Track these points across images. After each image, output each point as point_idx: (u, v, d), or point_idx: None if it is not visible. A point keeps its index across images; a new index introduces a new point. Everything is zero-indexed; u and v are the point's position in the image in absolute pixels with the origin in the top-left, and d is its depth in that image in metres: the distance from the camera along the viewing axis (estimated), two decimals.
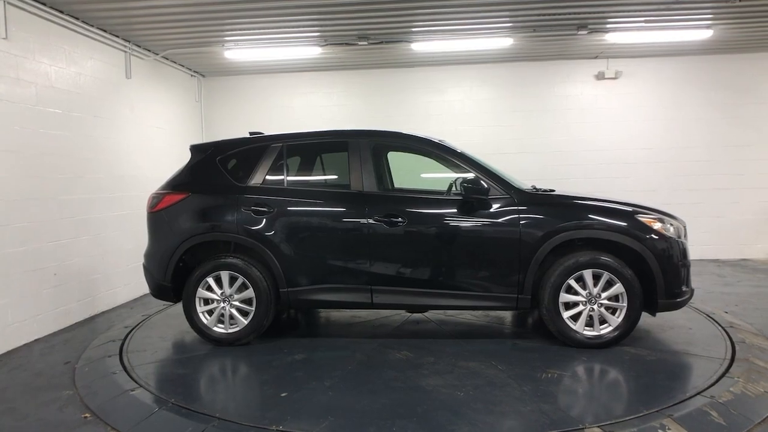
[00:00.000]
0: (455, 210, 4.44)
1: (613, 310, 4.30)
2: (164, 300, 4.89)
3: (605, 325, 4.31)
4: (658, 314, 4.47)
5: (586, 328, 4.32)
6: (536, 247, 4.28)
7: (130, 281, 6.76)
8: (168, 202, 4.71)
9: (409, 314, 5.43)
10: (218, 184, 4.70)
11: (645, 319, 4.42)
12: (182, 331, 5.06)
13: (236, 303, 4.60)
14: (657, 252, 4.21)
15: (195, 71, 8.77)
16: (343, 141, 4.75)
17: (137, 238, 6.52)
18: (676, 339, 4.57)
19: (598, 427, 3.02)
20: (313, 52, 7.51)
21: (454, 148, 4.74)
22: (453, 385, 3.68)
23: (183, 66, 8.37)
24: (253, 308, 4.56)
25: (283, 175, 4.72)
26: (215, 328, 4.62)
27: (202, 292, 4.62)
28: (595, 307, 4.30)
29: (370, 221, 4.42)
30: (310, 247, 4.53)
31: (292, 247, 4.51)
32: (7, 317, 4.92)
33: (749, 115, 8.51)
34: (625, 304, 4.25)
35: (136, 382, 3.90)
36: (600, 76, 8.62)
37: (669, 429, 2.99)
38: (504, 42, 7.26)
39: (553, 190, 4.78)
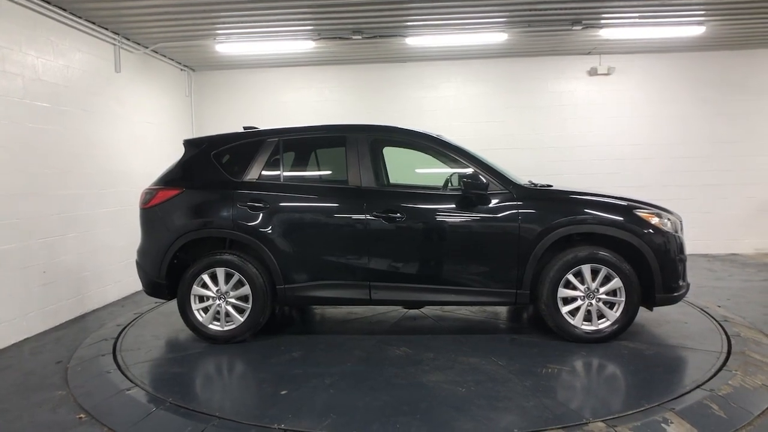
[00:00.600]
0: (454, 205, 4.42)
1: (611, 305, 4.31)
2: (158, 297, 4.81)
3: (603, 319, 4.32)
4: (654, 309, 4.49)
5: (584, 322, 4.33)
6: (535, 242, 4.27)
7: (120, 279, 6.65)
8: (161, 197, 4.63)
9: (406, 310, 5.40)
10: (213, 179, 4.63)
11: (641, 313, 4.43)
12: (176, 329, 4.98)
13: (232, 300, 4.53)
14: (655, 247, 4.22)
15: (185, 65, 8.64)
16: (341, 136, 4.70)
17: (128, 235, 6.43)
18: (672, 333, 4.59)
19: (602, 421, 3.02)
20: (306, 46, 7.43)
21: (452, 142, 4.72)
22: (454, 380, 3.66)
23: (173, 60, 8.25)
24: (250, 305, 4.50)
25: (279, 170, 4.65)
26: (211, 326, 4.55)
27: (197, 289, 4.54)
28: (594, 301, 4.30)
29: (369, 217, 4.38)
30: (307, 243, 4.48)
31: (289, 244, 4.46)
32: None
33: (739, 111, 8.59)
34: (623, 299, 4.26)
35: (131, 381, 3.83)
36: (592, 72, 8.64)
37: (672, 423, 3.00)
38: (498, 37, 7.24)
39: (551, 185, 4.78)
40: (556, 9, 6.25)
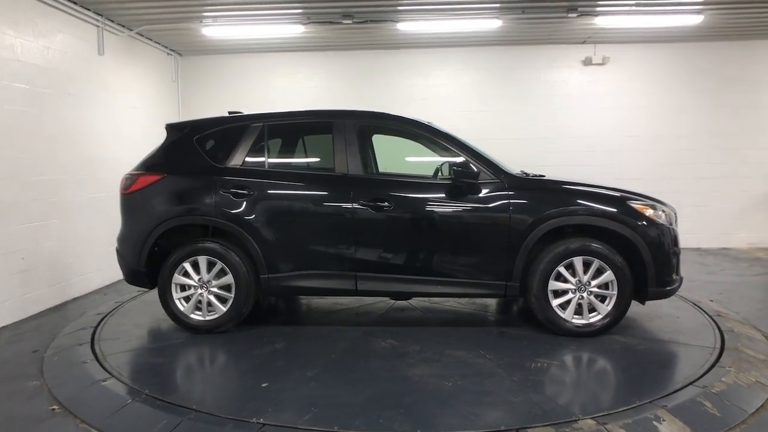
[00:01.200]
0: (444, 194, 4.30)
1: (602, 298, 4.21)
2: (138, 286, 4.68)
3: (594, 313, 4.22)
4: (646, 303, 4.40)
5: (575, 316, 4.23)
6: (526, 233, 4.16)
7: (103, 266, 6.49)
8: (142, 183, 4.48)
9: (394, 301, 5.29)
10: (195, 165, 4.48)
11: (632, 307, 4.35)
12: (158, 318, 4.84)
13: (214, 289, 4.40)
14: (649, 239, 4.12)
15: (172, 49, 8.43)
16: (328, 122, 4.56)
17: (111, 222, 6.20)
18: (664, 328, 4.51)
19: (592, 419, 2.92)
20: (296, 30, 7.25)
21: (443, 130, 4.58)
22: (440, 374, 3.56)
23: (159, 44, 8.04)
24: (232, 295, 4.37)
25: (264, 156, 4.51)
26: (192, 316, 4.42)
27: (178, 278, 4.41)
28: (585, 294, 4.20)
29: (356, 205, 4.25)
30: (292, 231, 4.35)
31: (274, 232, 4.32)
32: None
33: (735, 104, 8.49)
34: (615, 292, 4.16)
35: (108, 372, 3.69)
36: (587, 62, 8.51)
37: (664, 420, 2.91)
38: (492, 24, 7.09)
39: (543, 176, 4.66)
40: None
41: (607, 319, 4.18)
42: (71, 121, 6.02)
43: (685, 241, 8.18)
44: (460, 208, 4.26)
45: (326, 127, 4.55)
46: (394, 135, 4.83)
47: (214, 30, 7.10)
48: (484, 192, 4.24)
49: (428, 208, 4.30)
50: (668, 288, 4.24)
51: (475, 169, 4.24)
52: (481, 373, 3.58)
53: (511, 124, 8.66)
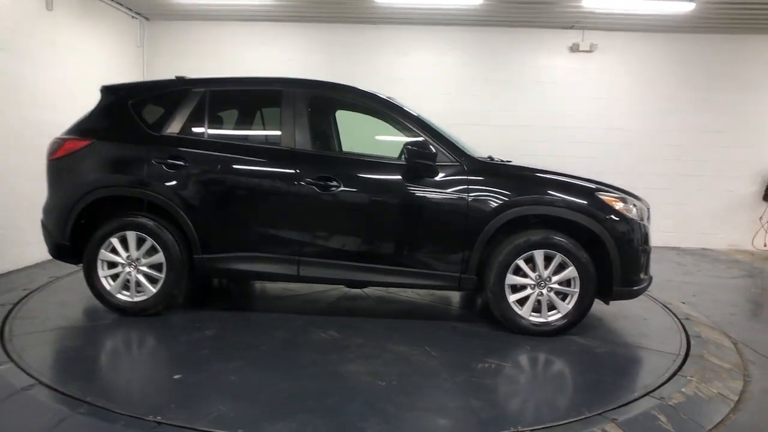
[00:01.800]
0: (398, 176, 3.94)
1: (563, 296, 3.89)
2: (64, 261, 4.29)
3: (554, 311, 3.90)
4: (612, 302, 4.09)
5: (532, 313, 3.91)
6: (485, 222, 3.82)
7: None
8: (69, 148, 4.08)
9: (347, 290, 4.94)
10: (128, 131, 4.08)
11: (598, 306, 4.04)
12: (89, 296, 4.44)
13: (144, 268, 4.02)
14: (616, 234, 3.80)
15: (137, 12, 7.93)
16: (276, 90, 4.16)
17: None
18: (629, 330, 4.21)
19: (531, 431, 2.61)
20: None
21: (401, 106, 4.20)
22: (376, 372, 3.22)
23: (122, 5, 7.54)
24: (163, 275, 4.00)
25: (204, 125, 4.11)
26: (119, 296, 4.04)
27: (105, 254, 4.02)
28: (545, 291, 3.88)
29: (300, 183, 3.88)
30: (230, 209, 3.97)
31: (209, 208, 3.95)
32: None
33: (723, 100, 8.16)
34: (578, 290, 3.84)
35: (7, 354, 3.31)
36: (574, 48, 8.13)
37: None
38: (474, 0, 6.68)
39: (510, 161, 4.32)
40: None
41: (566, 320, 3.86)
42: (12, 81, 5.56)
43: (664, 239, 8.06)
44: (414, 192, 3.90)
45: (275, 96, 4.15)
46: (352, 110, 4.48)
47: None
48: (441, 175, 3.89)
49: (380, 190, 3.95)
50: (635, 288, 3.94)
51: (433, 150, 3.88)
52: (421, 373, 3.25)
53: (493, 110, 8.26)
